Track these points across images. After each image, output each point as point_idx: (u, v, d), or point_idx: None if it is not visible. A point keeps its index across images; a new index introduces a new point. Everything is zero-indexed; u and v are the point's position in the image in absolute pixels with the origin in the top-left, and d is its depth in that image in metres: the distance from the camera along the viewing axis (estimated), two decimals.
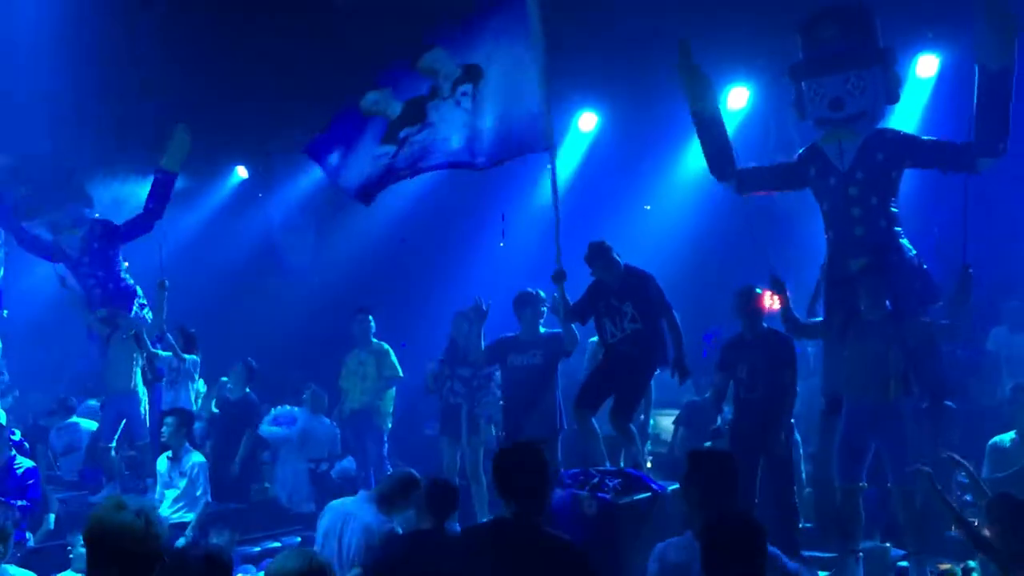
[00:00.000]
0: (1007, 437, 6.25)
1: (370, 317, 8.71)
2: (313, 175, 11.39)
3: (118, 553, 2.67)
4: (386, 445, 8.71)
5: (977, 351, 7.41)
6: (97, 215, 8.69)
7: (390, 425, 8.79)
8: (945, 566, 5.56)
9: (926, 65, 8.09)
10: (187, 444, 7.31)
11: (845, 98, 6.04)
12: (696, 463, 3.73)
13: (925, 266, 6.11)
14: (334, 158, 6.40)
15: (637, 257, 6.49)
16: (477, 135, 6.24)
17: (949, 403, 6.02)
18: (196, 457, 7.25)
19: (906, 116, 6.44)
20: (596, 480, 5.24)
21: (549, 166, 6.27)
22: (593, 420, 6.30)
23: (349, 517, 4.89)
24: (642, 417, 7.26)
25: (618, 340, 6.13)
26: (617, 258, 6.22)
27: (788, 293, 6.03)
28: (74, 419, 9.14)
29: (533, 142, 6.19)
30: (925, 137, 6.13)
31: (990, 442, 6.27)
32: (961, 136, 6.02)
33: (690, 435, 7.63)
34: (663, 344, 6.16)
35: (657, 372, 7.93)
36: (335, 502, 5.20)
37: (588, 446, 6.24)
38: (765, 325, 6.14)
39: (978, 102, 5.66)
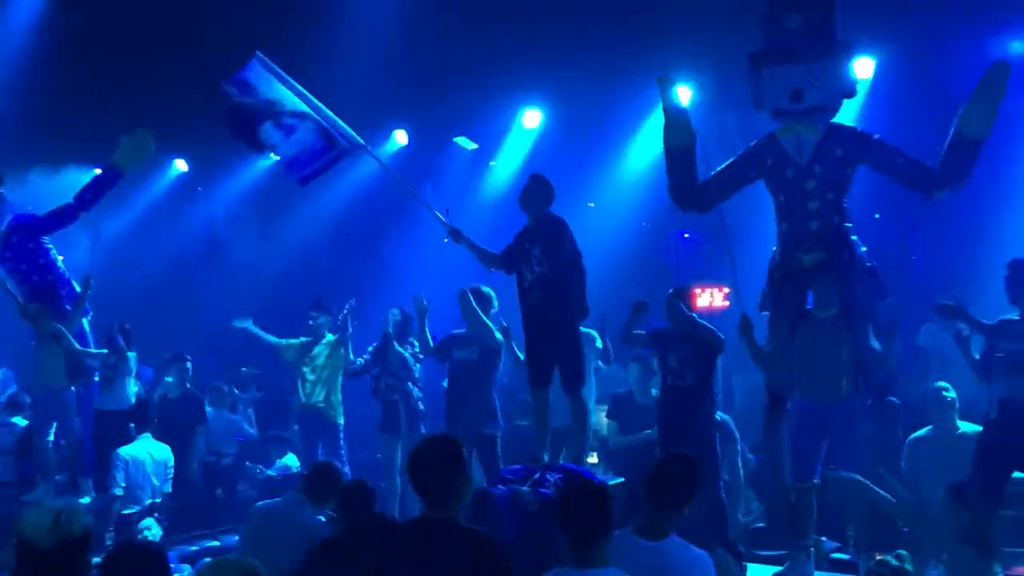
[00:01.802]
0: (923, 433, 6.46)
1: (314, 313, 8.64)
2: (256, 167, 11.32)
3: (38, 554, 2.69)
4: (343, 443, 8.54)
5: (908, 347, 7.51)
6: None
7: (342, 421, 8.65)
8: (880, 556, 5.68)
9: (862, 67, 8.13)
10: None
11: (806, 89, 5.94)
12: (565, 501, 3.60)
13: (873, 264, 6.11)
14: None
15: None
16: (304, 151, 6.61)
17: (893, 399, 6.13)
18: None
19: (841, 116, 6.46)
20: (537, 476, 5.25)
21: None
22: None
23: (284, 520, 4.82)
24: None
25: (528, 285, 6.05)
26: (546, 198, 6.16)
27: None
28: (16, 418, 8.90)
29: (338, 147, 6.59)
30: (891, 144, 6.06)
31: (909, 438, 6.43)
32: (896, 139, 6.08)
33: (621, 428, 7.69)
34: (573, 296, 6.05)
35: (603, 370, 8.23)
36: (261, 504, 5.12)
37: (536, 426, 6.21)
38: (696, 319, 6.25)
39: (949, 151, 5.70)
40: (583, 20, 7.95)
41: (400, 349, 8.05)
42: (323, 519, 4.95)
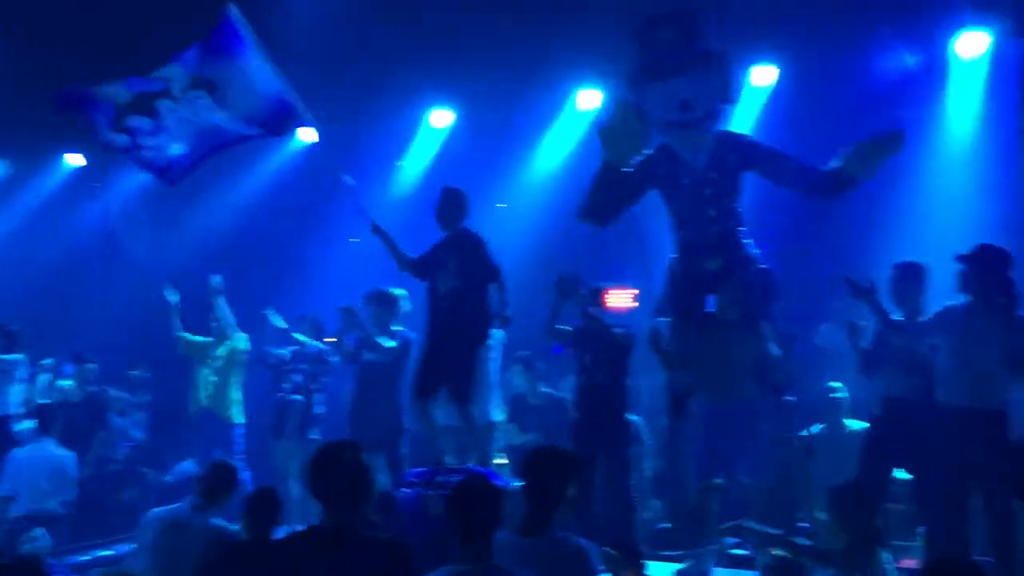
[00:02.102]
0: (814, 430, 6.65)
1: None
2: None
3: None
4: (241, 445, 8.24)
5: (808, 347, 7.72)
6: None
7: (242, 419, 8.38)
8: (779, 551, 5.81)
9: (763, 75, 8.39)
10: None
11: (692, 100, 6.12)
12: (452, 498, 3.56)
13: (767, 266, 6.32)
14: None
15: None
16: (218, 127, 6.25)
17: (790, 398, 6.26)
18: None
19: (740, 123, 6.67)
20: (441, 479, 5.22)
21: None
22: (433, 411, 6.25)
23: (182, 526, 4.69)
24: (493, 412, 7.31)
25: (440, 295, 6.04)
26: (460, 211, 6.17)
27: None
28: None
29: (286, 122, 6.29)
30: (779, 150, 6.29)
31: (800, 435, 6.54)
32: (795, 144, 6.33)
33: (521, 430, 7.67)
34: (486, 313, 6.11)
35: (506, 375, 8.21)
36: (158, 511, 4.97)
37: (430, 432, 6.21)
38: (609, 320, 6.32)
39: (834, 177, 5.99)
40: (493, 20, 7.90)
41: (317, 344, 7.88)
42: (224, 523, 4.81)
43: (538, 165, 9.94)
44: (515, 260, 7.52)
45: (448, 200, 6.18)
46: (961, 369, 5.34)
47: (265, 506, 4.53)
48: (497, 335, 7.33)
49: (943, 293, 5.62)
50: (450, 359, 6.03)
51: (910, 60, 8.15)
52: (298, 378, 7.58)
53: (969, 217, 7.30)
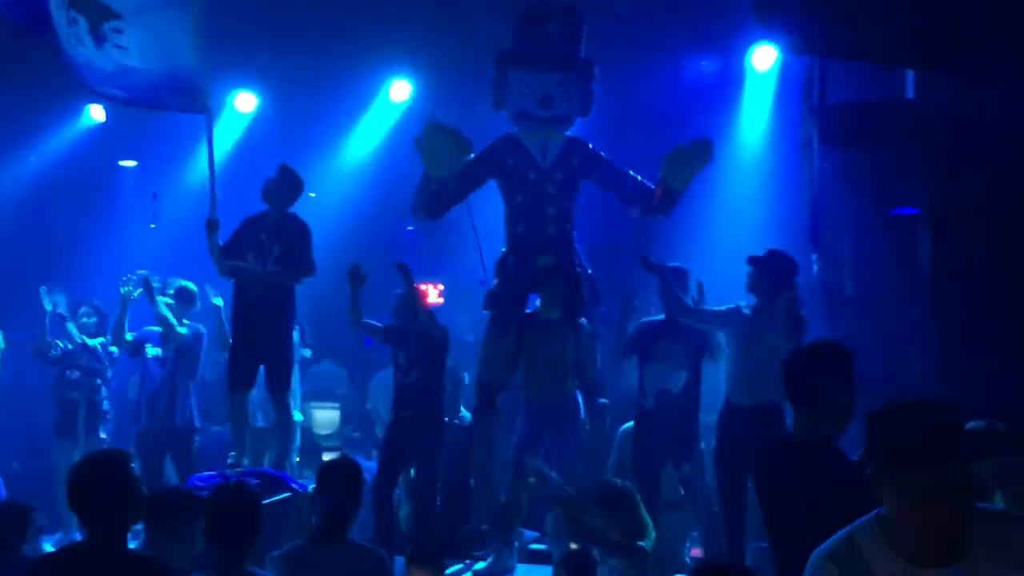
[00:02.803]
0: (628, 426, 6.72)
1: None
2: None
3: None
4: None
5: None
6: None
7: None
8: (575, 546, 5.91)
9: None
10: None
11: (555, 98, 6.20)
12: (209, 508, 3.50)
13: (591, 271, 6.48)
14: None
15: None
16: (126, 71, 5.98)
17: (603, 400, 6.38)
18: None
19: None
20: (232, 482, 4.96)
21: (204, 134, 6.12)
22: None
23: None
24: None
25: (254, 280, 5.90)
26: (294, 194, 6.06)
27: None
28: None
29: (189, 101, 6.05)
30: (619, 166, 6.49)
31: (619, 430, 6.71)
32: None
33: None
34: (295, 304, 6.05)
35: (315, 368, 8.03)
36: None
37: (235, 431, 5.99)
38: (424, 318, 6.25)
39: (656, 193, 6.20)
40: (303, 5, 7.64)
41: (90, 340, 7.39)
42: None
43: (349, 154, 9.73)
44: (325, 251, 7.34)
45: (286, 180, 6.06)
46: (744, 367, 5.60)
47: (7, 522, 4.22)
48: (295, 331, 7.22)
49: (738, 293, 5.86)
50: (264, 346, 5.87)
51: (709, 68, 8.53)
52: (79, 373, 7.03)
53: (759, 221, 7.68)
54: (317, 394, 8.37)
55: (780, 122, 8.07)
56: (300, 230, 5.95)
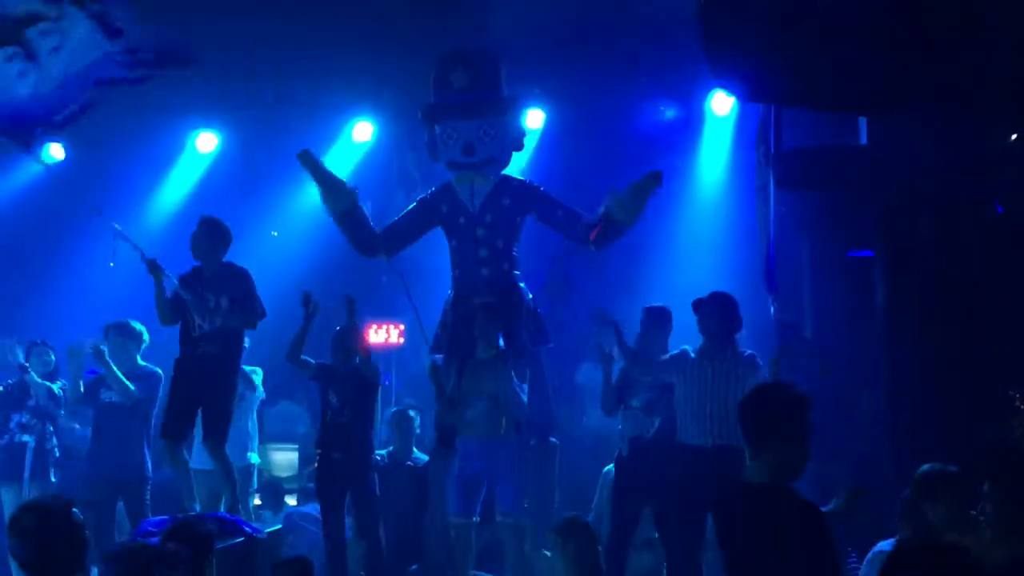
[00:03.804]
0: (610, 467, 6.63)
1: None
2: None
3: None
4: None
5: (568, 384, 7.97)
6: None
7: None
8: None
9: (531, 119, 8.53)
10: None
11: (476, 144, 6.32)
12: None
13: (539, 310, 6.52)
14: None
15: (265, 283, 6.19)
16: None
17: (553, 439, 6.40)
18: None
19: (512, 164, 6.86)
20: (182, 529, 4.85)
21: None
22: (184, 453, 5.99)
23: None
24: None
25: (200, 335, 5.78)
26: (223, 243, 5.91)
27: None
28: None
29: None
30: (554, 198, 6.57)
31: (604, 470, 6.63)
32: (562, 184, 6.67)
33: None
34: (242, 350, 6.01)
35: (273, 409, 7.93)
36: None
37: (180, 484, 5.90)
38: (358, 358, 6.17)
39: (600, 224, 6.26)
40: (259, 49, 7.68)
41: (45, 382, 7.13)
42: None
43: (312, 193, 9.57)
44: (289, 291, 7.23)
45: (210, 231, 5.88)
46: (696, 409, 5.65)
47: None
48: (258, 373, 7.20)
49: (695, 335, 5.91)
50: (205, 398, 5.77)
51: (670, 113, 8.67)
52: (28, 416, 6.87)
53: (718, 263, 7.77)
54: (276, 435, 8.29)
55: (738, 165, 8.20)
56: (241, 277, 5.86)
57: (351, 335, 6.15)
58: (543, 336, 6.49)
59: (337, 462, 6.07)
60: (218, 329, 5.73)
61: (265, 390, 7.36)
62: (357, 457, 6.08)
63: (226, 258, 5.93)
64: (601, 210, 6.23)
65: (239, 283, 5.80)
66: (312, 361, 6.25)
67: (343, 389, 6.13)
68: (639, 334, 6.08)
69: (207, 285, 5.79)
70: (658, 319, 6.08)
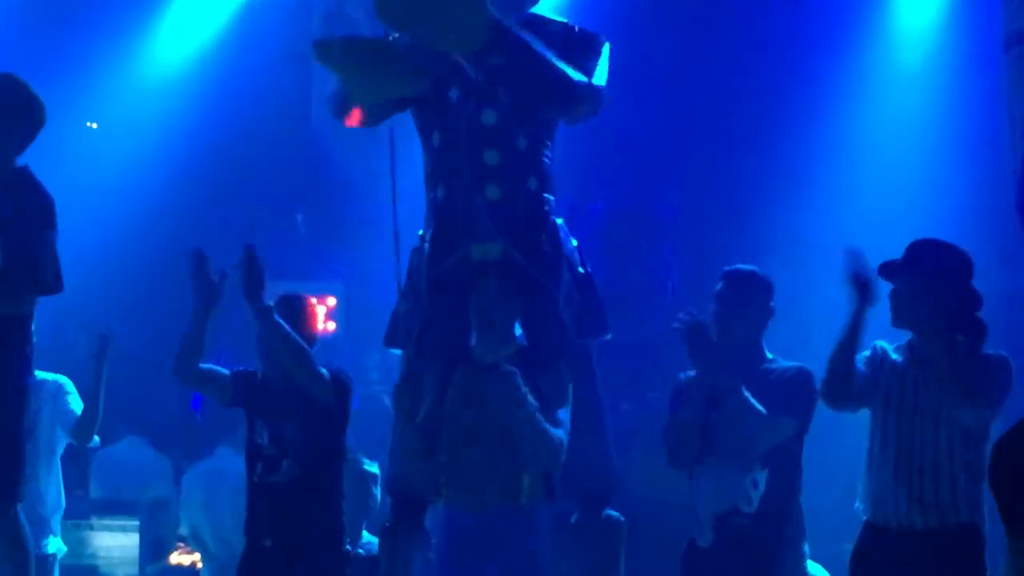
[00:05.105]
0: None
1: None
2: None
3: None
4: None
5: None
6: None
7: None
8: None
9: None
10: None
11: None
12: None
13: (588, 270, 4.36)
14: None
15: (72, 220, 4.30)
16: None
17: (613, 513, 5.03)
18: None
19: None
20: None
21: None
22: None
23: None
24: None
25: None
26: (31, 125, 4.47)
27: None
28: None
29: None
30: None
31: None
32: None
33: None
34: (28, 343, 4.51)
35: (107, 452, 6.25)
36: None
37: None
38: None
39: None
40: None
41: None
42: None
43: (147, 65, 7.43)
44: (127, 242, 6.52)
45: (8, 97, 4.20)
46: (897, 457, 4.19)
47: None
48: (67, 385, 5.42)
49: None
50: None
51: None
52: None
53: (919, 182, 6.05)
54: (106, 504, 5.85)
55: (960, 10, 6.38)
56: (32, 201, 4.17)
57: (298, 314, 4.60)
58: (596, 320, 4.46)
59: (269, 554, 4.51)
60: None
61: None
62: (307, 546, 4.67)
63: (21, 160, 4.22)
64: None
65: (24, 209, 4.16)
66: (223, 371, 4.58)
67: (279, 418, 4.63)
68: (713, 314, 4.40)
69: None
70: (745, 292, 4.43)
